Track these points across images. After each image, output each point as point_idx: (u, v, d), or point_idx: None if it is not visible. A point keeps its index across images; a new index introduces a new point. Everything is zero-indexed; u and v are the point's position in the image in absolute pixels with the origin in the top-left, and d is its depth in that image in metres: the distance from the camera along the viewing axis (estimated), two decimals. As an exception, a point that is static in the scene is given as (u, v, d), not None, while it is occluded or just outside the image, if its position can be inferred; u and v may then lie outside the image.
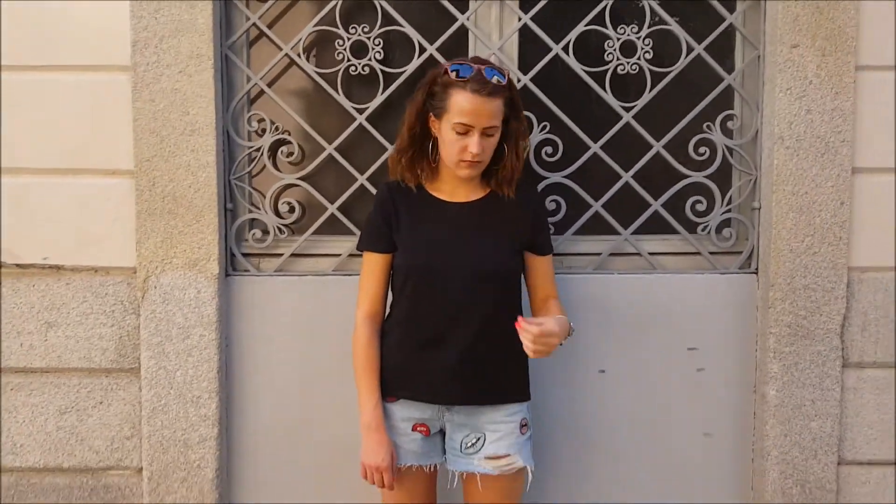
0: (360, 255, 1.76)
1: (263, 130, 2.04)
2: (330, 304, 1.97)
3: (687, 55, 2.03)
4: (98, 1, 1.94)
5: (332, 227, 2.03)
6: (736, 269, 2.07)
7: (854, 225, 1.99)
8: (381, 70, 2.01)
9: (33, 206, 2.00)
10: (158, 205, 1.95)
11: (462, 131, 1.58)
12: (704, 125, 2.05)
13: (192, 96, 1.93)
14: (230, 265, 2.04)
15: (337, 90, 2.01)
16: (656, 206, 2.05)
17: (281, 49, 2.01)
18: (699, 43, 2.03)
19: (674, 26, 2.02)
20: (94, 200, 1.99)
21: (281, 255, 2.06)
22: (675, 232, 2.07)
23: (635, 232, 2.06)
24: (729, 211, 2.08)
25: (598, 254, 2.06)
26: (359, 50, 2.01)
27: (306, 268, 2.06)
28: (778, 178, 1.97)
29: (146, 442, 2.00)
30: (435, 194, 1.70)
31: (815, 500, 2.02)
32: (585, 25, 2.01)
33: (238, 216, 2.05)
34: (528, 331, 1.49)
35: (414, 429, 1.67)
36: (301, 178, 2.05)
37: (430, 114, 1.64)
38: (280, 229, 2.05)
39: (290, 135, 2.05)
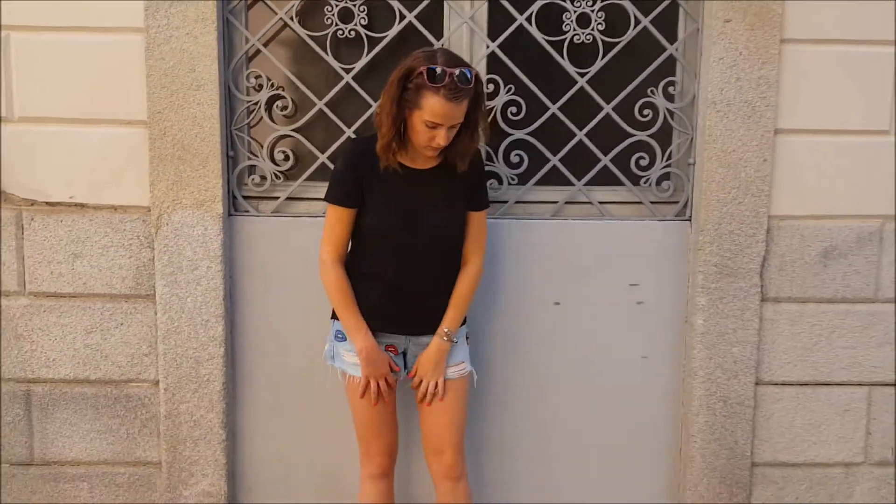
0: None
1: (260, 86, 2.10)
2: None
3: (635, 27, 2.09)
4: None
5: (322, 174, 2.07)
6: (672, 216, 2.18)
7: (775, 179, 2.08)
8: (366, 34, 2.07)
9: (61, 151, 2.06)
10: (169, 151, 2.03)
11: (432, 126, 1.68)
12: (649, 90, 2.12)
13: (198, 55, 2.00)
14: (232, 206, 2.13)
15: (326, 51, 2.07)
16: (605, 160, 2.15)
17: (276, 13, 2.06)
18: (646, 16, 2.09)
19: (624, 1, 2.08)
20: (113, 146, 2.05)
21: (277, 198, 2.14)
22: (621, 184, 2.16)
23: (587, 183, 2.16)
24: (668, 166, 2.18)
25: (555, 202, 2.17)
26: (346, 16, 2.07)
27: (300, 210, 2.15)
28: (710, 137, 2.06)
29: (162, 359, 2.11)
30: (400, 160, 1.80)
31: (736, 413, 2.16)
32: (546, -1, 2.06)
33: (239, 163, 2.13)
34: (437, 395, 1.86)
35: (386, 349, 1.90)
36: (294, 130, 2.12)
37: (405, 103, 1.70)
38: (276, 175, 2.13)
39: (284, 90, 2.11)
